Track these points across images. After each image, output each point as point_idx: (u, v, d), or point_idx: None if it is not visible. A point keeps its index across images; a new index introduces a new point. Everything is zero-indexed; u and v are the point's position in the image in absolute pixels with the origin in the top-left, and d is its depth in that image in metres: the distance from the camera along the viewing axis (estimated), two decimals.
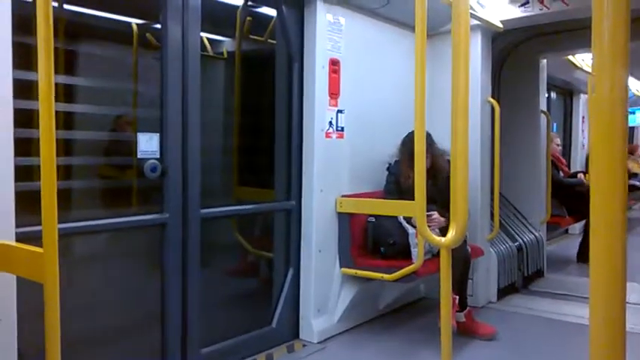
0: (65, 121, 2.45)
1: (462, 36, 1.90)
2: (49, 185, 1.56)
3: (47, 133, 1.55)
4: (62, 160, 2.31)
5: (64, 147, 2.47)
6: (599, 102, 0.74)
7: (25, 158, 2.08)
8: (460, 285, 3.36)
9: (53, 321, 1.58)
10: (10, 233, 1.97)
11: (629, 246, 0.84)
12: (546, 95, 5.72)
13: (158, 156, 2.62)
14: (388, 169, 3.60)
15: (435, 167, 3.38)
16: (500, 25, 3.93)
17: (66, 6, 2.52)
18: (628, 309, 0.89)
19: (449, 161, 3.46)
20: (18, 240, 1.94)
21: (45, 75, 1.54)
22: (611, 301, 0.73)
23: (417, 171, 2.21)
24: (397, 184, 3.47)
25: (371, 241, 3.52)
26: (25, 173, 2.07)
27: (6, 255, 1.82)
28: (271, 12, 3.33)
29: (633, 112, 9.19)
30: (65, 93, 2.42)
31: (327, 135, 3.34)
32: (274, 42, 3.38)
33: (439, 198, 3.15)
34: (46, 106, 1.55)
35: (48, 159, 1.56)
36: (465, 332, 3.34)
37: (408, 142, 3.47)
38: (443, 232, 2.99)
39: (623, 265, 0.75)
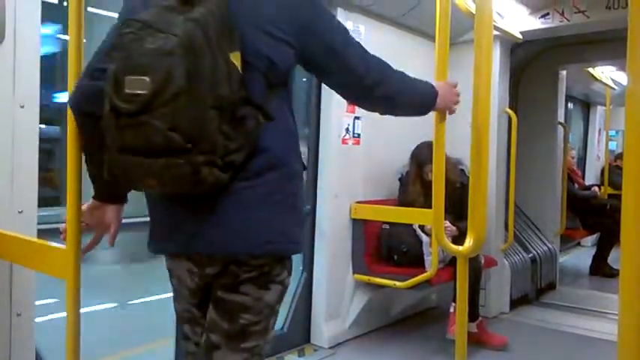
0: None
1: (484, 48, 1.89)
2: (73, 183, 1.58)
3: (75, 130, 1.57)
4: None
5: None
6: (635, 108, 0.74)
7: None
8: (471, 295, 3.34)
9: (74, 317, 1.59)
10: (32, 229, 2.00)
11: None
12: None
13: None
14: (400, 179, 3.60)
15: (446, 176, 3.37)
16: (520, 36, 3.91)
17: None
18: None
19: (462, 170, 3.50)
20: None
21: (74, 72, 1.55)
22: None
23: (435, 179, 2.21)
24: (406, 195, 3.47)
25: (385, 248, 3.52)
26: None
27: (27, 251, 1.83)
28: None
29: None
30: None
31: (344, 141, 3.34)
32: None
33: (450, 207, 3.14)
34: None
35: (74, 156, 1.58)
36: (476, 342, 3.32)
37: (417, 154, 3.48)
38: (454, 241, 2.99)
39: None
